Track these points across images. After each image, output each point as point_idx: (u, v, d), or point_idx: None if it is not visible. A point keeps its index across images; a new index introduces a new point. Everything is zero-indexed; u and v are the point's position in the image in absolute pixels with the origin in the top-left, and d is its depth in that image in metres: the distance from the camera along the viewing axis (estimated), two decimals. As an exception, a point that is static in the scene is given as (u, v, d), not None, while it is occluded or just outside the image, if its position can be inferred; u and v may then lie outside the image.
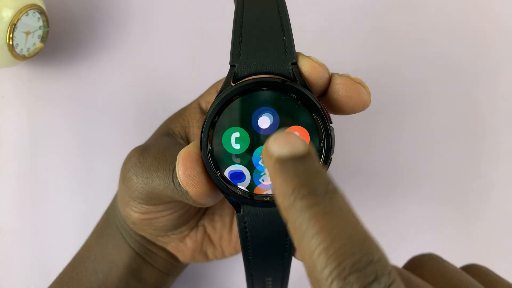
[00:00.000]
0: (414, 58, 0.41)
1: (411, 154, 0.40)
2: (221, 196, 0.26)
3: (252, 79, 0.23)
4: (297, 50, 0.24)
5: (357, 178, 0.40)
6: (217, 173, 0.23)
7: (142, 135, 0.35)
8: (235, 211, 0.24)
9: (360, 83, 0.24)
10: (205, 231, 0.32)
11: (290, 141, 0.19)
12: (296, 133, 0.21)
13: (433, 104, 0.41)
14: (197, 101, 0.31)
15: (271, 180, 0.19)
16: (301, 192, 0.17)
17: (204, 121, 0.23)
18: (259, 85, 0.23)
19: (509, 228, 0.40)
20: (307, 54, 0.24)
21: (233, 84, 0.23)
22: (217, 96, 0.23)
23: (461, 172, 0.40)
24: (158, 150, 0.28)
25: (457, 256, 0.40)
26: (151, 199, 0.28)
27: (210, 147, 0.23)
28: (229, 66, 0.24)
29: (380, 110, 0.40)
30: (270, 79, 0.23)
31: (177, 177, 0.25)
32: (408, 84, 0.41)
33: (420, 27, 0.41)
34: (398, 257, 0.40)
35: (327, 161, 0.23)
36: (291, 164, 0.18)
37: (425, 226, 0.40)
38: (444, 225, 0.40)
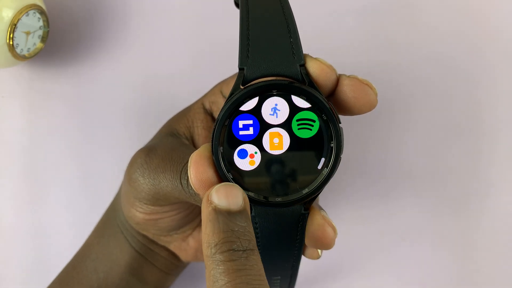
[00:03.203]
0: (414, 58, 0.41)
1: (411, 154, 0.41)
2: None
3: (262, 81, 0.23)
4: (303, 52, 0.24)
5: (357, 178, 0.40)
6: (228, 175, 0.24)
7: (143, 135, 0.35)
8: None
9: (367, 84, 0.25)
10: None
11: (230, 195, 0.22)
12: (236, 186, 0.22)
13: (433, 104, 0.41)
14: (200, 101, 0.31)
15: (203, 225, 0.22)
16: (223, 247, 0.21)
17: (215, 125, 0.23)
18: (268, 87, 0.23)
19: (508, 228, 0.40)
20: (313, 56, 0.24)
21: (242, 87, 0.23)
22: (227, 100, 0.23)
23: (461, 172, 0.40)
24: (164, 151, 0.28)
25: (457, 256, 0.40)
26: (158, 200, 0.28)
27: (221, 150, 0.23)
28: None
29: (381, 110, 0.40)
30: (279, 81, 0.23)
31: (185, 178, 0.26)
32: (408, 84, 0.41)
33: (420, 27, 0.41)
34: (398, 256, 0.41)
35: (336, 160, 0.24)
36: (223, 218, 0.21)
37: (425, 226, 0.40)
38: (443, 225, 0.40)
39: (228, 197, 0.22)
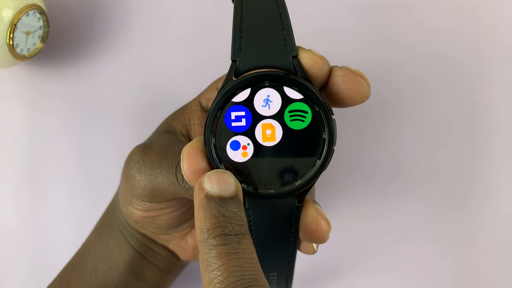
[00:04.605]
0: (414, 57, 0.41)
1: (411, 154, 0.41)
2: None
3: (254, 73, 0.23)
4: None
5: (356, 177, 0.40)
6: (221, 167, 0.24)
7: (142, 135, 0.35)
8: None
9: (360, 75, 0.25)
10: None
11: (222, 181, 0.22)
12: (227, 173, 0.23)
13: (433, 104, 0.41)
14: (197, 99, 0.31)
15: (195, 211, 0.22)
16: (215, 232, 0.21)
17: (208, 116, 0.23)
18: (261, 78, 0.23)
19: (508, 228, 0.40)
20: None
21: (235, 79, 0.23)
22: (219, 91, 0.23)
23: (461, 172, 0.41)
24: (160, 147, 0.28)
25: (456, 256, 0.40)
26: (154, 196, 0.28)
27: (214, 142, 0.23)
28: (229, 63, 0.24)
29: (381, 109, 0.40)
30: (272, 72, 0.23)
31: (180, 173, 0.26)
32: (408, 83, 0.41)
33: (419, 27, 0.41)
34: (397, 256, 0.41)
35: (329, 152, 0.24)
36: (214, 204, 0.22)
37: (424, 226, 0.40)
38: (443, 225, 0.40)
39: (220, 183, 0.22)
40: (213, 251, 0.21)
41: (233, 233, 0.21)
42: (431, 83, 0.41)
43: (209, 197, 0.22)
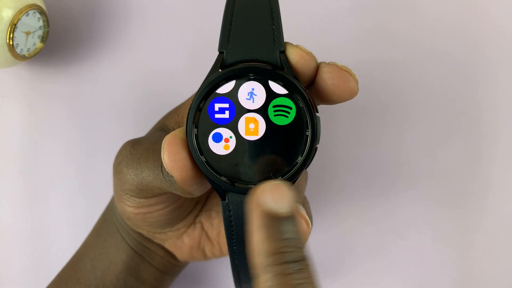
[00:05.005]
0: (414, 57, 0.41)
1: (411, 154, 0.41)
2: (209, 185, 0.25)
3: (239, 65, 0.23)
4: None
5: (356, 177, 0.40)
6: (202, 158, 0.23)
7: (142, 135, 0.35)
8: (221, 199, 0.24)
9: (347, 71, 0.24)
10: (202, 228, 0.32)
11: (284, 196, 0.20)
12: (288, 186, 0.21)
13: (434, 104, 0.41)
14: (191, 98, 0.31)
15: (253, 230, 0.20)
16: (278, 259, 0.19)
17: (190, 106, 0.23)
18: (246, 71, 0.23)
19: (508, 228, 0.40)
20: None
21: (220, 71, 0.23)
22: (204, 81, 0.23)
23: (460, 172, 0.40)
24: (149, 142, 0.28)
25: (456, 256, 0.40)
26: (141, 191, 0.28)
27: (196, 132, 0.23)
28: None
29: (381, 109, 0.40)
30: (256, 66, 0.23)
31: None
32: (408, 83, 0.41)
33: (419, 26, 0.41)
34: (397, 256, 0.40)
35: (311, 150, 0.23)
36: (277, 224, 0.19)
37: (424, 226, 0.40)
38: (443, 225, 0.40)
39: (283, 198, 0.20)
40: (275, 280, 0.19)
41: (296, 260, 0.19)
42: (431, 83, 0.41)
43: (269, 215, 0.20)
